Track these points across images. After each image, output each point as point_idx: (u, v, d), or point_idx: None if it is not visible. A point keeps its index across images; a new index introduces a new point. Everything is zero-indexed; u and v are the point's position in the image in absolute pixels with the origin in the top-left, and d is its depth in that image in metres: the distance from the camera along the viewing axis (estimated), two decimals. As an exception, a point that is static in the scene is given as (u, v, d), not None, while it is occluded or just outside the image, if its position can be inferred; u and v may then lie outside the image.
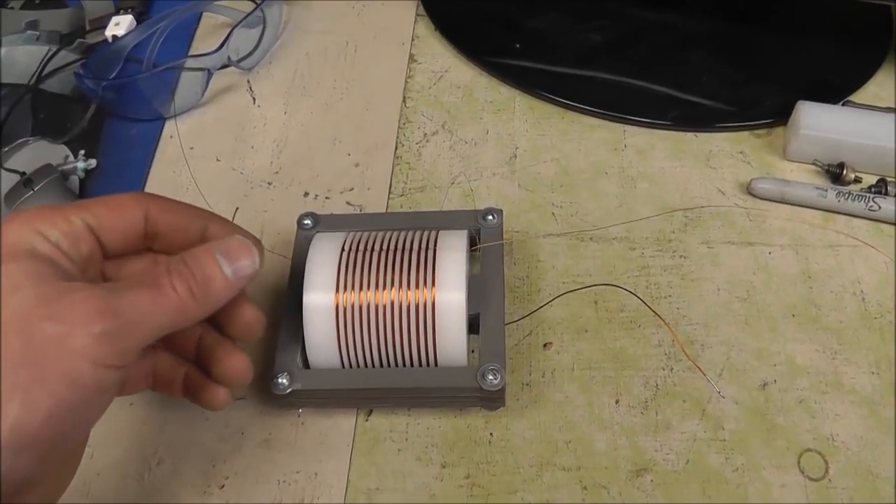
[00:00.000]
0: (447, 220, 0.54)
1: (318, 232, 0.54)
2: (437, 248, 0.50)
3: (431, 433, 0.53)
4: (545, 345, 0.55)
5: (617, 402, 0.53)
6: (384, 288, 0.49)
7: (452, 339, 0.49)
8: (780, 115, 0.63)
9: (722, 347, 0.54)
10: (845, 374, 0.53)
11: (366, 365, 0.50)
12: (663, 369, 0.54)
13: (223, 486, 0.52)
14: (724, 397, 0.53)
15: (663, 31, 0.69)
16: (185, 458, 0.53)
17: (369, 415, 0.53)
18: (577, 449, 0.51)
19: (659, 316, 0.55)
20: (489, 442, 0.52)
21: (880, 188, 0.59)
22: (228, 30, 0.67)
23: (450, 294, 0.48)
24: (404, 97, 0.68)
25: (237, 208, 0.63)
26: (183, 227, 0.45)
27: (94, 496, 0.52)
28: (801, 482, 0.50)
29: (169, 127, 0.68)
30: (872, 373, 0.53)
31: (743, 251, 0.58)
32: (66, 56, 0.72)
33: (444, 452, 0.52)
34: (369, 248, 0.50)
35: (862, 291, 0.56)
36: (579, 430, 0.52)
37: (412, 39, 0.71)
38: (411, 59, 0.70)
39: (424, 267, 0.49)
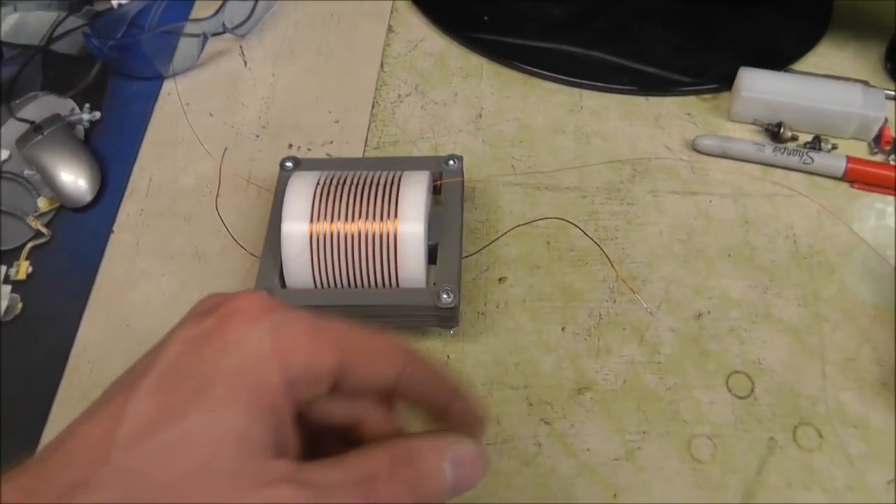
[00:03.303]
0: (412, 164, 0.60)
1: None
2: (401, 185, 0.56)
3: (395, 354, 0.58)
4: (500, 279, 0.61)
5: (563, 329, 0.59)
6: (353, 220, 0.55)
7: (412, 265, 0.55)
8: (727, 82, 0.68)
9: (662, 283, 0.60)
10: (774, 307, 0.59)
11: (336, 286, 0.55)
12: (606, 301, 0.59)
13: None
14: (652, 314, 0.58)
15: (621, 4, 0.75)
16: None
17: (340, 337, 0.59)
18: (525, 370, 0.57)
19: (601, 248, 0.61)
20: (446, 363, 0.58)
21: (814, 144, 0.65)
22: (225, -1, 0.73)
23: (410, 225, 0.54)
24: (382, 63, 0.74)
25: (226, 148, 0.69)
26: (428, 395, 0.39)
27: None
28: (728, 400, 0.55)
29: (167, 85, 0.74)
30: (800, 305, 0.59)
31: (686, 200, 0.64)
32: (74, 21, 0.78)
33: (406, 371, 0.58)
34: (341, 183, 0.56)
35: (794, 235, 0.62)
36: (528, 354, 0.58)
37: (391, 12, 0.77)
38: (389, 29, 0.76)
39: (388, 201, 0.55)
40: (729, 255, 0.61)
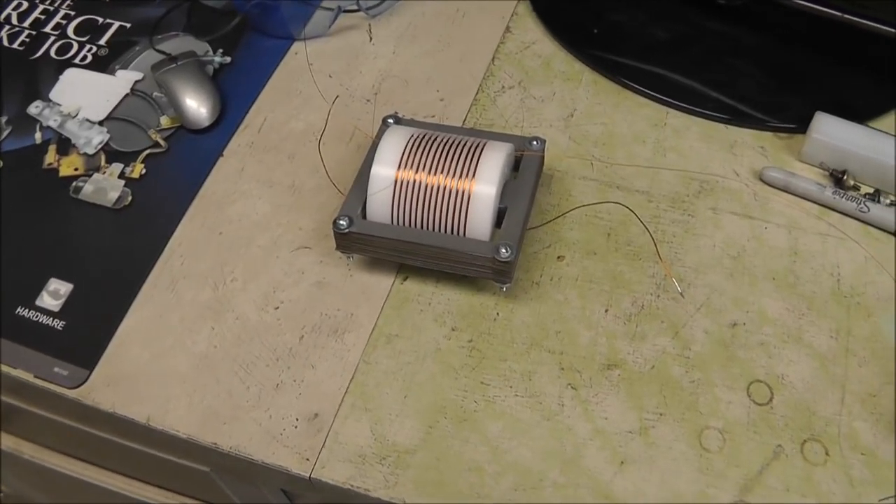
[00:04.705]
0: (499, 138, 0.66)
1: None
2: (484, 149, 0.62)
3: (450, 303, 0.64)
4: (559, 257, 0.66)
5: (606, 311, 0.63)
6: (435, 173, 0.61)
7: (479, 221, 0.60)
8: (804, 125, 0.71)
9: (705, 289, 0.64)
10: (807, 332, 0.62)
11: (410, 226, 0.61)
12: (651, 294, 0.64)
13: (277, 307, 0.64)
14: (683, 296, 0.63)
15: (719, 38, 0.80)
16: (253, 281, 0.66)
17: (405, 279, 0.65)
18: (563, 339, 0.62)
19: (656, 244, 0.66)
20: (494, 319, 0.63)
21: (874, 197, 0.68)
22: (365, -21, 0.80)
23: (484, 186, 0.60)
24: (494, 57, 0.80)
25: (337, 96, 0.76)
26: None
27: (178, 291, 0.65)
28: (745, 403, 0.59)
29: (296, 46, 0.82)
30: (831, 337, 0.62)
31: (742, 222, 0.68)
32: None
33: (457, 319, 0.63)
34: (431, 140, 0.62)
35: (839, 274, 0.65)
36: (569, 325, 0.63)
37: (512, 15, 0.84)
38: (507, 29, 0.82)
39: (469, 161, 0.61)
40: (773, 278, 0.65)
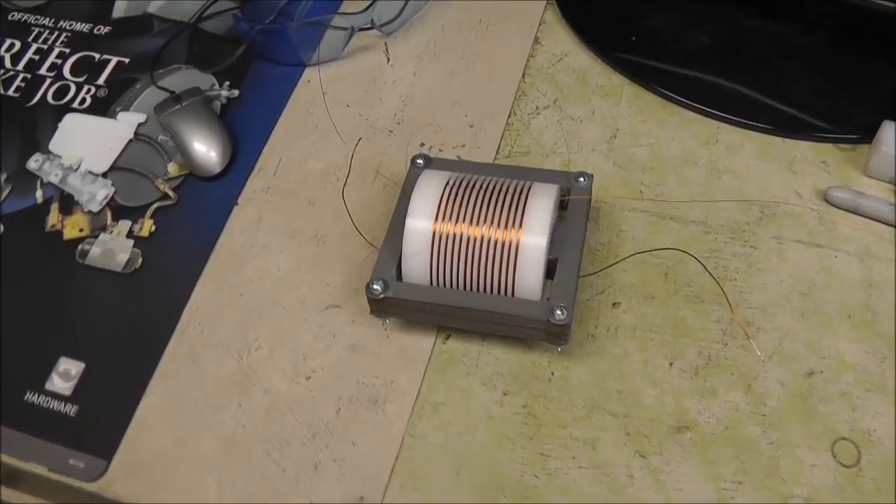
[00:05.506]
0: (542, 176, 0.60)
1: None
2: (529, 195, 0.56)
3: (499, 363, 0.58)
4: (614, 304, 0.60)
5: (671, 364, 0.58)
6: (477, 223, 0.55)
7: (529, 277, 0.54)
8: (868, 133, 0.65)
9: (776, 333, 0.59)
10: (891, 379, 0.56)
11: (452, 287, 0.56)
12: (718, 343, 0.58)
13: (309, 377, 0.59)
14: (763, 360, 0.57)
15: (768, 40, 0.73)
16: (280, 348, 0.60)
17: (447, 339, 0.60)
18: (627, 399, 0.57)
19: (723, 290, 0.60)
20: (549, 379, 0.58)
21: (954, 216, 0.62)
22: (377, -4, 0.74)
23: (533, 237, 0.54)
24: (524, 73, 0.74)
25: (360, 138, 0.70)
26: None
27: (199, 364, 0.60)
28: (832, 465, 0.53)
29: (308, 73, 0.76)
30: (918, 381, 0.56)
31: (810, 251, 0.62)
32: (225, 4, 0.81)
33: (508, 382, 0.58)
34: (469, 186, 0.57)
35: (921, 307, 0.59)
36: (632, 383, 0.57)
37: (539, 24, 0.77)
38: (536, 41, 0.76)
39: (515, 210, 0.55)
40: (848, 317, 0.59)
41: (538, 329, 0.55)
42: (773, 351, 0.58)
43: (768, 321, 0.59)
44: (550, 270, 0.56)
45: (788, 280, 0.61)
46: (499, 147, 0.69)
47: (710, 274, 0.60)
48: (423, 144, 0.69)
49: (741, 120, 0.69)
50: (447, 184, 0.57)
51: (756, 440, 0.55)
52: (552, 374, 0.58)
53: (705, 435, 0.55)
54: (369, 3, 0.73)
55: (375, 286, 0.56)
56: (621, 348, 0.59)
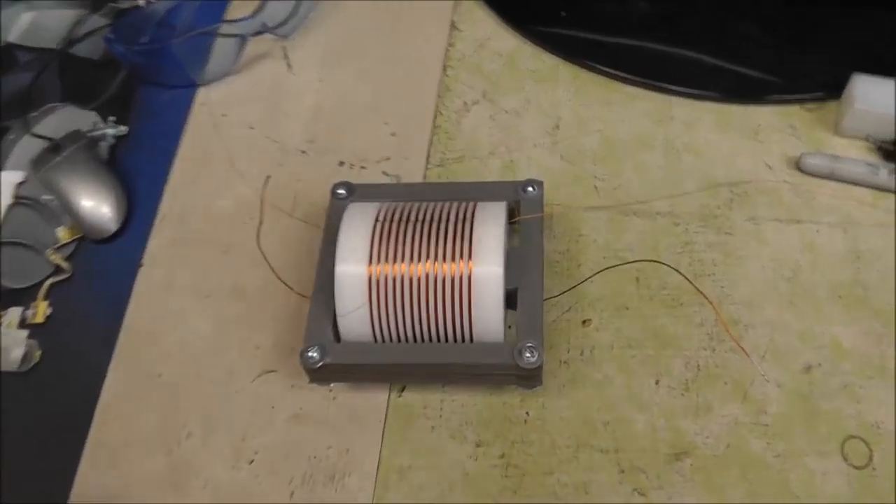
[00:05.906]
0: (486, 192, 0.54)
1: (352, 201, 0.53)
2: (475, 221, 0.49)
3: (466, 410, 0.52)
4: (584, 321, 0.54)
5: (657, 382, 0.52)
6: (419, 260, 0.48)
7: (489, 315, 0.48)
8: (833, 89, 0.61)
9: (766, 328, 0.53)
10: (892, 359, 0.52)
11: (399, 339, 0.49)
12: (705, 349, 0.53)
13: (252, 460, 0.52)
14: (768, 381, 0.52)
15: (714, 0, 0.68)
16: (215, 432, 0.53)
17: (402, 390, 0.53)
18: (615, 430, 0.51)
19: (704, 295, 0.54)
20: (525, 421, 0.51)
21: (938, 168, 0.57)
22: (265, -4, 0.66)
23: (487, 268, 0.48)
24: (445, 65, 0.67)
25: (269, 176, 0.62)
26: None
27: (122, 469, 0.52)
28: (843, 470, 0.49)
29: (202, 94, 0.68)
30: (921, 357, 0.51)
31: (789, 229, 0.57)
32: (96, 21, 0.71)
33: (479, 430, 0.51)
34: (404, 218, 0.49)
35: (913, 272, 0.55)
36: (617, 411, 0.51)
37: (454, 7, 0.70)
38: (453, 26, 0.69)
39: (461, 239, 0.48)
40: (839, 297, 0.54)
41: (507, 374, 0.48)
42: (765, 350, 0.53)
43: (755, 316, 0.54)
44: (510, 301, 0.50)
45: (771, 265, 0.56)
46: (428, 155, 0.62)
47: (686, 278, 0.54)
48: (342, 164, 0.62)
49: (694, 91, 0.63)
50: (377, 219, 0.50)
51: (761, 455, 0.49)
52: (527, 413, 0.51)
53: (706, 458, 0.49)
54: (257, 5, 0.65)
55: (311, 353, 0.48)
56: (600, 372, 0.52)
